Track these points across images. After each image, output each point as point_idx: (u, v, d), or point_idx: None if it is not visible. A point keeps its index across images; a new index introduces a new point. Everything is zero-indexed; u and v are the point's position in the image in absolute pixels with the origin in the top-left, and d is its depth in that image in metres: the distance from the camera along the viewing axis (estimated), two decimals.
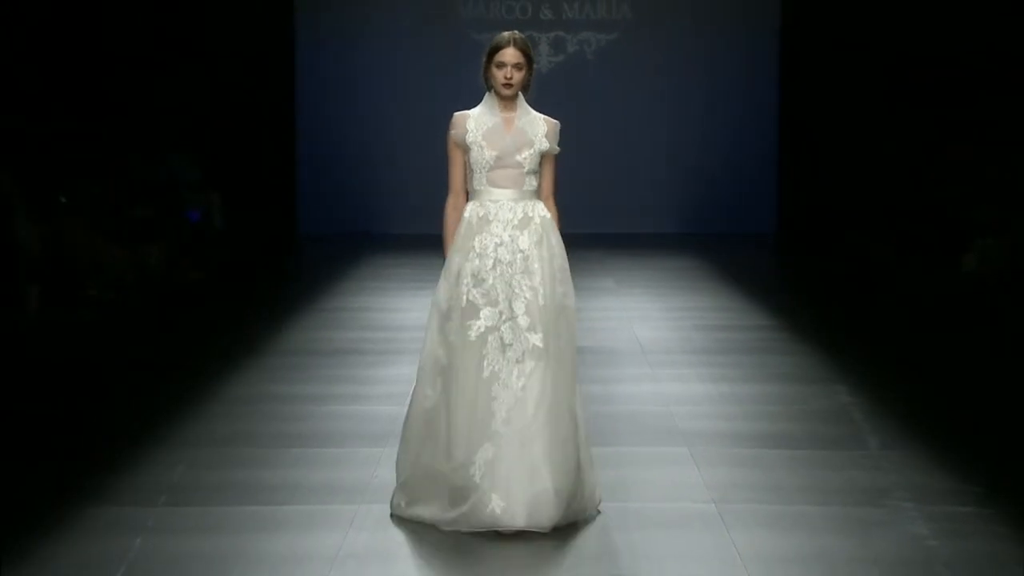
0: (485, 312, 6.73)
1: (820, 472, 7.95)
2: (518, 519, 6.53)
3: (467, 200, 6.98)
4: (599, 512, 6.91)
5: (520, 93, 6.93)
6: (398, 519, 6.85)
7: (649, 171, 20.29)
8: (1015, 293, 13.28)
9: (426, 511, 6.75)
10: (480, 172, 6.88)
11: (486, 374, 6.68)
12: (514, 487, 6.55)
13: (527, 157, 6.85)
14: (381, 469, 7.88)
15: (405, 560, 6.32)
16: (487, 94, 6.96)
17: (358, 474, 7.84)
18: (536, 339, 6.69)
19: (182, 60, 19.95)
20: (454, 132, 6.93)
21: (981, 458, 8.18)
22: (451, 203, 7.04)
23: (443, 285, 6.89)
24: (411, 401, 7.01)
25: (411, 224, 20.40)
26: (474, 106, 6.92)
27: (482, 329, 6.71)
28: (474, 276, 6.78)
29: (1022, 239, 14.00)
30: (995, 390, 10.39)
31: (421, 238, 19.23)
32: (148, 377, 10.79)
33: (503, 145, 6.85)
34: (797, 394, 10.06)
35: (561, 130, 6.96)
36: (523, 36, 6.96)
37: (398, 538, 6.54)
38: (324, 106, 20.86)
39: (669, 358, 11.34)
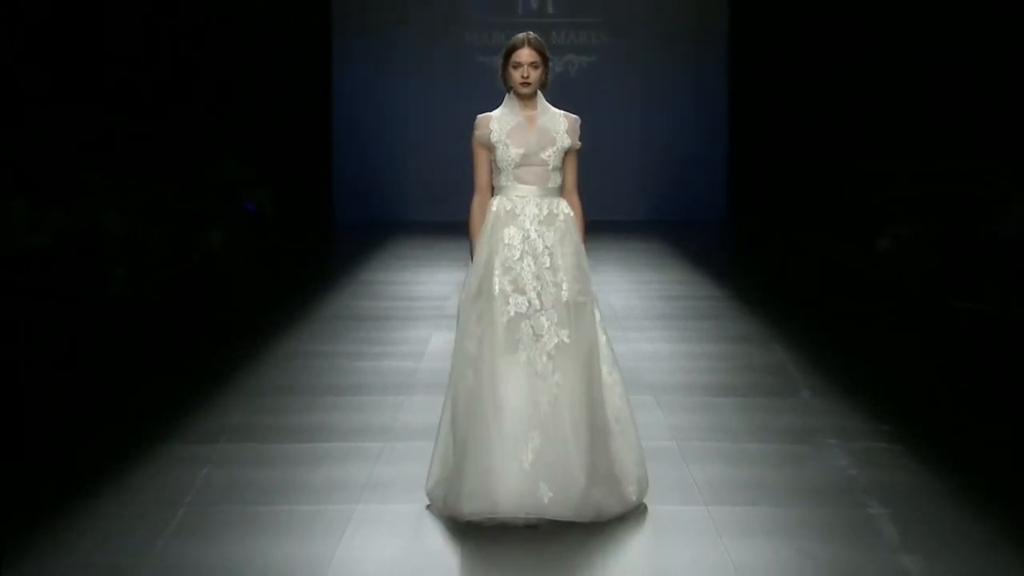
0: (514, 299, 5.88)
1: (761, 416, 7.96)
2: (565, 510, 5.75)
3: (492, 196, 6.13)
4: (644, 504, 6.08)
5: (539, 91, 6.07)
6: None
7: (621, 168, 20.28)
8: (919, 268, 13.28)
9: (474, 504, 5.78)
10: (507, 170, 6.01)
11: (523, 359, 5.84)
12: (561, 479, 5.74)
13: (551, 155, 5.99)
14: (403, 413, 7.90)
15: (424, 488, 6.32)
16: (507, 95, 6.08)
17: (384, 417, 7.85)
18: (564, 335, 5.88)
19: (244, 82, 19.97)
20: (479, 133, 6.05)
21: (892, 404, 8.19)
22: (477, 202, 6.11)
23: (473, 279, 5.99)
24: (451, 397, 6.03)
25: (429, 213, 20.41)
26: (485, 110, 6.09)
27: (512, 314, 5.86)
28: (503, 265, 5.92)
29: (926, 225, 14.01)
30: (902, 347, 10.40)
31: (437, 225, 19.29)
32: (211, 338, 10.81)
33: (528, 143, 5.98)
34: (743, 352, 10.06)
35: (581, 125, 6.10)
36: (537, 36, 6.06)
37: (419, 471, 6.36)
38: (356, 116, 20.83)
39: (638, 322, 11.34)
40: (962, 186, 14.42)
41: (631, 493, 5.99)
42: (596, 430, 5.88)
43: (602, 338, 6.10)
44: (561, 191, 6.11)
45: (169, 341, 10.75)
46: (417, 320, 11.39)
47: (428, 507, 6.04)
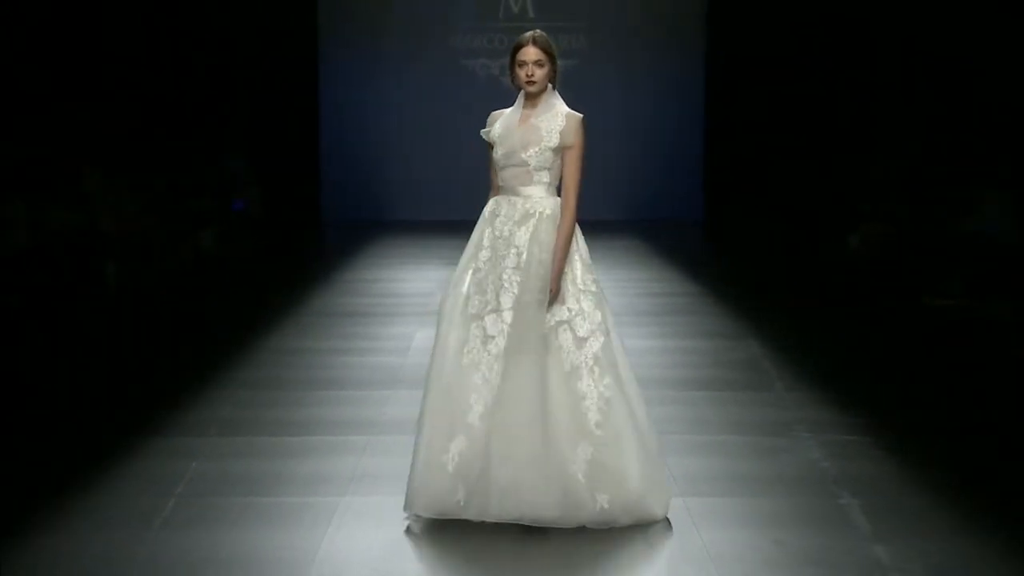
0: (474, 300, 5.72)
1: (737, 409, 7.97)
2: (484, 513, 5.58)
3: None
4: (663, 521, 5.75)
5: (551, 87, 5.82)
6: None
7: (600, 168, 20.28)
8: (888, 265, 13.31)
9: (406, 500, 5.73)
10: (497, 170, 5.84)
11: (465, 361, 5.66)
12: (484, 482, 5.55)
13: (532, 155, 5.73)
14: (388, 407, 7.89)
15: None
16: (520, 93, 5.84)
17: (369, 411, 7.84)
18: (514, 336, 5.63)
19: (235, 83, 19.95)
20: (484, 131, 5.87)
21: (864, 398, 8.21)
22: (490, 199, 5.94)
23: (453, 277, 5.85)
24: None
25: (415, 212, 20.44)
26: (472, 111, 6.06)
27: (468, 315, 5.71)
28: (474, 267, 5.78)
29: (895, 223, 14.04)
30: (874, 343, 10.42)
31: (423, 223, 19.32)
32: (202, 334, 10.79)
33: (511, 143, 5.75)
34: (719, 347, 10.06)
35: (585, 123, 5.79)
36: (544, 34, 5.81)
37: (403, 464, 6.29)
38: (344, 116, 20.81)
39: (617, 319, 11.18)
40: (933, 185, 14.45)
41: (603, 501, 5.63)
42: (549, 433, 5.57)
43: (599, 340, 5.82)
44: (549, 190, 5.82)
45: (161, 337, 10.72)
46: (402, 317, 11.38)
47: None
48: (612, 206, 20.48)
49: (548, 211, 5.80)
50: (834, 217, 15.67)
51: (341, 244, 17.91)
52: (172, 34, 19.39)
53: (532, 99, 5.82)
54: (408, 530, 5.67)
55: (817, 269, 14.62)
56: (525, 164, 5.78)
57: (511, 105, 5.92)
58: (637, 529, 5.69)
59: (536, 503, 5.57)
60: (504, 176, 5.83)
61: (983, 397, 8.44)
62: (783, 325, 10.96)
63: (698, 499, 6.08)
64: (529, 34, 5.83)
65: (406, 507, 5.75)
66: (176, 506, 5.98)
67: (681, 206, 21.03)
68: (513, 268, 5.73)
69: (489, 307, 5.71)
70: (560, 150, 5.80)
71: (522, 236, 5.76)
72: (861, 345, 10.32)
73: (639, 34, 21.07)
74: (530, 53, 5.76)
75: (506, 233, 5.77)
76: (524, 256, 5.73)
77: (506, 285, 5.72)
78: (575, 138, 5.80)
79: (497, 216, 5.81)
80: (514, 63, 5.80)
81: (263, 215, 18.85)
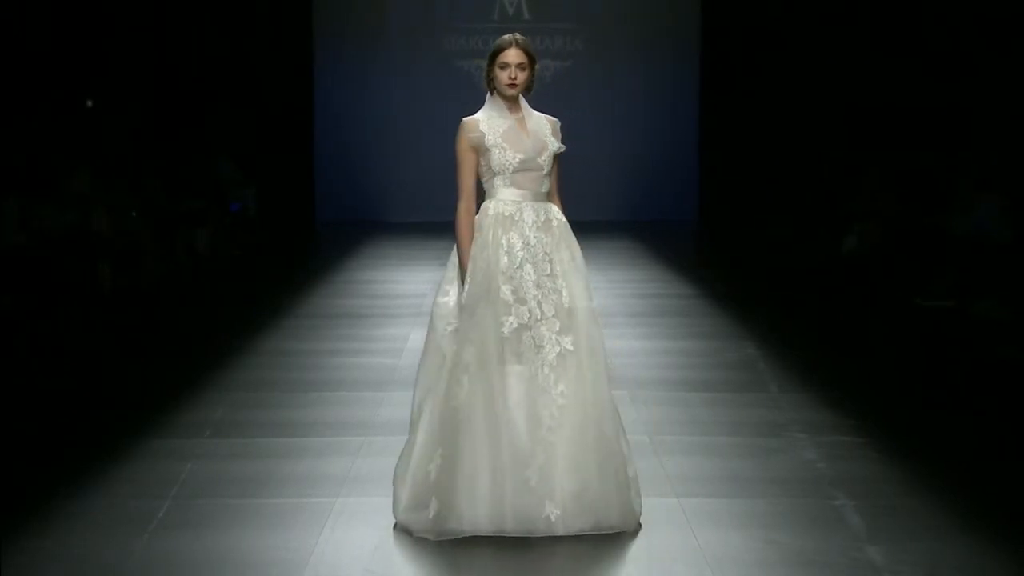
0: (516, 309, 5.51)
1: (731, 410, 7.97)
2: (572, 527, 5.50)
3: (477, 202, 5.72)
4: (660, 522, 5.80)
5: (521, 94, 5.73)
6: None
7: (595, 169, 20.26)
8: (884, 266, 13.32)
9: (478, 523, 5.50)
10: (502, 174, 5.64)
11: (525, 373, 5.50)
12: (566, 495, 5.48)
13: (546, 160, 5.66)
14: (382, 409, 7.89)
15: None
16: (490, 97, 5.73)
17: (363, 412, 7.85)
18: (567, 342, 5.53)
19: (229, 85, 19.96)
20: (471, 136, 5.64)
21: (859, 399, 8.21)
22: (463, 208, 5.65)
23: (472, 285, 5.56)
24: (422, 409, 5.66)
25: (408, 213, 20.44)
26: (463, 112, 5.65)
27: (515, 326, 5.50)
28: (504, 273, 5.55)
29: (890, 225, 14.05)
30: (868, 343, 10.43)
31: (416, 225, 19.32)
32: (196, 335, 10.78)
33: (526, 148, 5.63)
34: (713, 348, 10.07)
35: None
36: (525, 37, 5.74)
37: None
38: (337, 118, 20.83)
39: (613, 320, 11.32)
40: (927, 184, 14.47)
41: (636, 503, 5.72)
42: (604, 438, 5.57)
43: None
44: (550, 195, 5.79)
45: (155, 338, 10.71)
46: (396, 318, 11.38)
47: (395, 526, 5.70)
48: (606, 207, 20.50)
49: (561, 216, 5.78)
50: (829, 218, 15.68)
51: (335, 245, 17.90)
52: (168, 35, 19.40)
53: (512, 103, 5.73)
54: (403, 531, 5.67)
55: (812, 270, 14.62)
56: (540, 169, 5.70)
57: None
58: (634, 530, 5.70)
59: (605, 510, 5.57)
60: (516, 179, 5.67)
61: (978, 398, 8.45)
62: (778, 326, 10.97)
63: (693, 500, 6.08)
64: (510, 36, 5.74)
65: (451, 530, 5.52)
66: (171, 508, 5.98)
67: (675, 207, 21.06)
68: (548, 275, 5.63)
69: (533, 316, 5.56)
70: (554, 155, 5.77)
71: (549, 242, 5.68)
72: (856, 346, 10.33)
73: (633, 36, 21.09)
74: (512, 55, 5.67)
75: (533, 241, 5.65)
76: (555, 265, 5.66)
77: (546, 292, 5.60)
78: (560, 142, 5.78)
79: (517, 222, 5.65)
80: (493, 65, 5.70)
81: (258, 216, 18.85)
